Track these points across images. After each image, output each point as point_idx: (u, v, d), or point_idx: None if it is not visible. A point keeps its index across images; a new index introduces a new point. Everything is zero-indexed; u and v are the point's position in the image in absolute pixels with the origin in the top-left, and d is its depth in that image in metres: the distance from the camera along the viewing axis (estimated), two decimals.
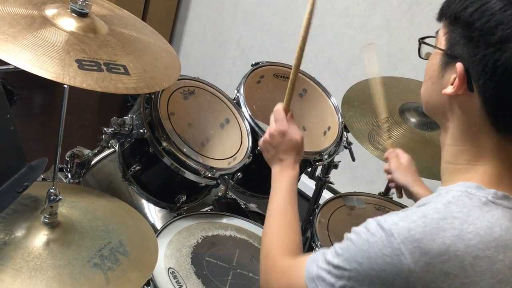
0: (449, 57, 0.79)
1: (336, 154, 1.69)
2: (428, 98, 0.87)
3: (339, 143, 1.66)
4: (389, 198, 1.80)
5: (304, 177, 1.83)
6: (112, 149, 1.66)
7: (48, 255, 0.94)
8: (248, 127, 1.52)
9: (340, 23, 2.59)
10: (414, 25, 2.31)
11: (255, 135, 1.51)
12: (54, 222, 0.99)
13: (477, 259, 0.73)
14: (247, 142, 1.49)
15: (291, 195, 1.08)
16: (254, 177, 1.60)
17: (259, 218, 1.64)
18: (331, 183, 1.89)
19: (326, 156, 1.61)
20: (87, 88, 1.01)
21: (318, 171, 1.86)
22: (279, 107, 1.16)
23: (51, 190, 0.97)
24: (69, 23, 1.13)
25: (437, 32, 0.86)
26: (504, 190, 0.78)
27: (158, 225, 1.55)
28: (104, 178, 1.65)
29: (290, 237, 1.00)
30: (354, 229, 0.82)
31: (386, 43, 2.42)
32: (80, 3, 1.15)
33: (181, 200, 1.43)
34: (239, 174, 1.53)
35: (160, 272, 1.18)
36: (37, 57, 1.00)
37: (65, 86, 1.02)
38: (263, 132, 1.51)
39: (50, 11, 1.14)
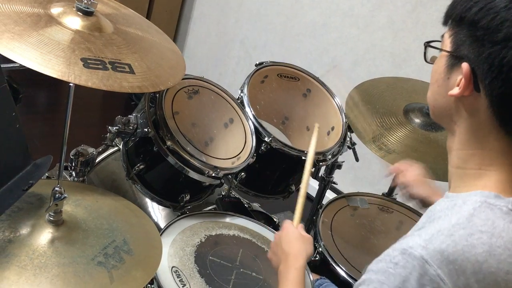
0: (455, 58, 0.79)
1: (340, 155, 1.68)
2: (435, 102, 0.86)
3: (343, 143, 1.66)
4: (393, 199, 1.80)
5: None
6: (116, 148, 1.67)
7: (52, 253, 0.94)
8: (252, 127, 1.52)
9: (344, 23, 2.59)
10: (419, 26, 2.30)
11: (259, 135, 1.51)
12: (58, 220, 0.99)
13: (509, 274, 0.72)
14: (251, 142, 1.49)
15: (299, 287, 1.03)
16: (258, 177, 1.60)
17: (262, 218, 1.64)
18: (334, 183, 1.89)
19: (330, 156, 1.61)
20: (92, 86, 1.02)
21: (322, 171, 1.86)
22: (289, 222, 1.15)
23: (56, 188, 0.97)
24: (75, 22, 1.13)
25: (442, 36, 0.85)
26: None
27: (162, 224, 1.55)
28: (108, 176, 1.65)
29: None
30: (373, 268, 0.74)
31: (391, 44, 2.41)
32: (85, 1, 1.15)
33: (184, 199, 1.43)
34: (242, 173, 1.54)
35: (163, 271, 1.18)
36: (43, 56, 1.01)
37: (71, 84, 1.02)
38: (267, 132, 1.51)
39: (55, 10, 1.15)
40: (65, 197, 0.97)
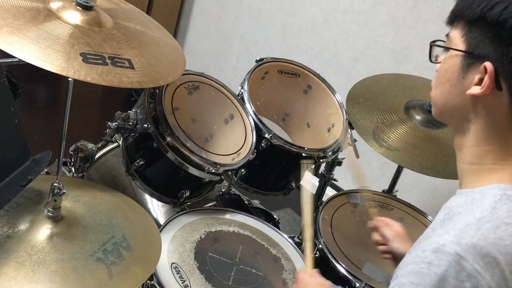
0: (473, 58, 0.79)
1: (340, 151, 1.68)
2: (446, 101, 0.85)
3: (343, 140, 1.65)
4: (393, 196, 1.80)
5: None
6: (116, 144, 1.66)
7: (51, 249, 0.93)
8: (253, 123, 1.51)
9: (345, 19, 2.58)
10: (420, 22, 2.29)
11: (259, 131, 1.51)
12: (57, 216, 0.98)
13: None
14: (251, 138, 1.48)
15: None
16: (258, 173, 1.60)
17: (262, 214, 1.64)
18: (334, 180, 1.89)
19: (330, 153, 1.60)
20: (92, 81, 1.01)
21: (322, 168, 1.86)
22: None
23: (54, 184, 0.96)
24: (74, 16, 1.13)
25: (447, 35, 0.85)
26: None
27: (161, 220, 1.55)
28: (108, 172, 1.65)
29: None
30: (402, 272, 0.73)
31: (392, 40, 2.40)
32: None
33: (184, 196, 1.43)
34: (242, 170, 1.53)
35: (163, 267, 1.18)
36: (42, 50, 1.00)
37: (70, 79, 1.02)
38: (267, 128, 1.50)
39: (55, 4, 1.14)
40: (64, 192, 0.96)
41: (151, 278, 1.14)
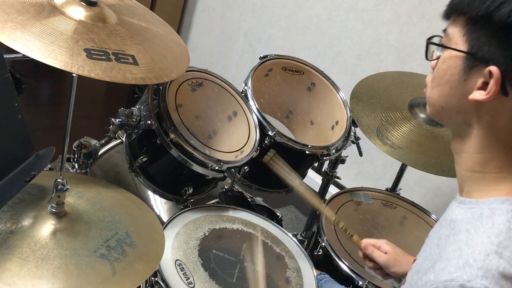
0: (476, 60, 0.73)
1: (344, 149, 1.67)
2: (445, 103, 0.80)
3: (347, 137, 1.65)
4: (396, 194, 1.79)
5: (311, 172, 1.82)
6: (119, 140, 1.66)
7: (54, 245, 0.93)
8: (256, 121, 1.51)
9: (349, 17, 2.57)
10: (424, 20, 2.28)
11: (263, 128, 1.50)
12: (61, 212, 0.98)
13: None
14: (255, 135, 1.48)
15: None
16: (261, 170, 1.59)
17: (265, 212, 1.64)
18: (338, 178, 1.89)
19: (334, 151, 1.60)
20: (96, 77, 1.01)
21: (325, 166, 1.85)
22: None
23: (58, 180, 0.96)
24: (78, 12, 1.12)
25: (444, 31, 0.80)
26: None
27: (164, 217, 1.55)
28: (111, 169, 1.65)
29: None
30: None
31: (396, 38, 2.39)
32: None
33: (187, 193, 1.42)
34: (246, 167, 1.53)
35: (167, 264, 1.18)
36: (46, 46, 1.00)
37: (74, 75, 1.01)
38: (271, 125, 1.50)
39: (59, 0, 1.13)
40: (67, 188, 0.96)
41: (155, 275, 1.14)
